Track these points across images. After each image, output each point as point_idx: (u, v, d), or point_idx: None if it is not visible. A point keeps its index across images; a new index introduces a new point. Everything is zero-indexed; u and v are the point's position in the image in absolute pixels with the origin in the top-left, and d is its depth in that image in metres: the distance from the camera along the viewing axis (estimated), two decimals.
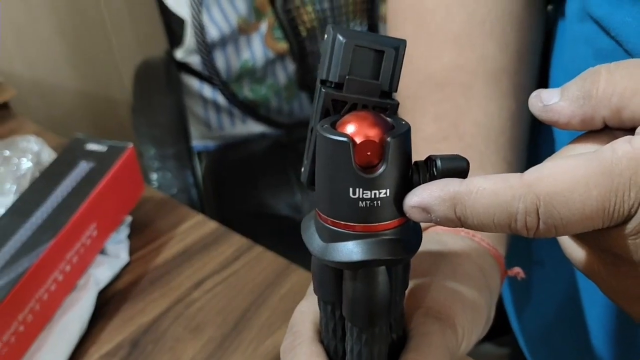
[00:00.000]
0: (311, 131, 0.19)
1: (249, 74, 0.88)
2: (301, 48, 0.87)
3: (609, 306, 0.30)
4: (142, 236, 0.47)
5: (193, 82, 0.86)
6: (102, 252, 0.45)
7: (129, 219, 0.47)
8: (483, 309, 0.23)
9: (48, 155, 0.48)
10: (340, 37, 0.17)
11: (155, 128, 0.64)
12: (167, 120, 0.66)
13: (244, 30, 0.86)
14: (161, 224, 0.48)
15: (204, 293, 0.42)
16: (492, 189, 0.17)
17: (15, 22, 0.90)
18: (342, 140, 0.17)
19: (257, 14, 0.86)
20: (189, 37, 0.82)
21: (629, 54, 0.25)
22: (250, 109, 0.91)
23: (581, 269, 0.20)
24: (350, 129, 0.17)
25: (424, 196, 0.17)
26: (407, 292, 0.21)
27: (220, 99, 0.88)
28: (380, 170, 0.17)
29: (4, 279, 0.36)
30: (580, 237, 0.19)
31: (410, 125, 0.18)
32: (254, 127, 0.93)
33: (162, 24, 0.86)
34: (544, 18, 0.35)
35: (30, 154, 0.46)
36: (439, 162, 0.17)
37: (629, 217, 0.16)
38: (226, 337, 0.39)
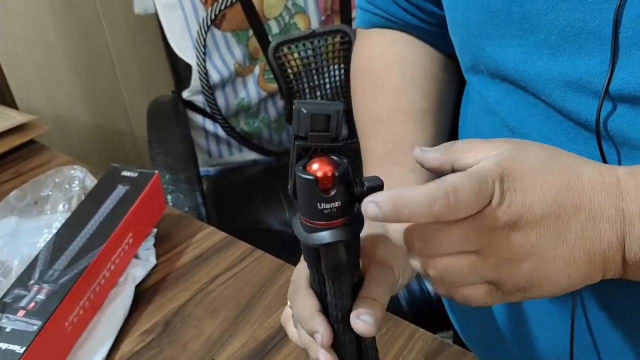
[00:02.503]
0: (291, 165, 0.30)
1: (245, 110, 1.01)
2: (289, 88, 1.00)
3: None
4: (165, 244, 0.58)
5: (197, 118, 0.99)
6: (136, 256, 0.56)
7: (154, 230, 0.59)
8: (410, 268, 0.35)
9: (90, 181, 0.59)
10: (303, 109, 0.27)
11: (168, 157, 0.76)
12: (178, 150, 0.78)
13: (240, 73, 0.98)
14: (180, 235, 0.60)
15: (218, 286, 0.54)
16: (419, 188, 0.26)
17: (38, 65, 1.02)
18: (309, 178, 0.28)
19: (251, 59, 0.99)
20: (194, 80, 0.95)
21: (495, 112, 0.39)
22: (246, 140, 1.03)
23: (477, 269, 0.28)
24: (314, 168, 0.28)
25: (376, 197, 0.26)
26: (362, 253, 0.33)
27: (220, 132, 1.01)
28: (333, 192, 0.28)
29: (69, 275, 0.48)
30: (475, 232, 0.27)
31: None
32: (249, 155, 1.05)
33: (169, 68, 0.99)
34: (458, 77, 0.49)
35: (77, 180, 0.58)
36: (366, 182, 0.28)
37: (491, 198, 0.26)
38: (237, 317, 0.50)
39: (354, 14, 0.99)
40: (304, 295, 0.32)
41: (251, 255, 0.57)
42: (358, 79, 0.48)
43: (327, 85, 1.02)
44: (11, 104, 0.91)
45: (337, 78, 1.01)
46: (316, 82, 1.00)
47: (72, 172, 0.59)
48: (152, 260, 0.56)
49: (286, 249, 0.89)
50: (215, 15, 0.93)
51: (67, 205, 0.56)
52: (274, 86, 1.01)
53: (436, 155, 0.29)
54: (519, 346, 0.42)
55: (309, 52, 0.97)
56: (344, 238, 0.29)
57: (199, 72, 0.94)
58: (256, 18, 0.94)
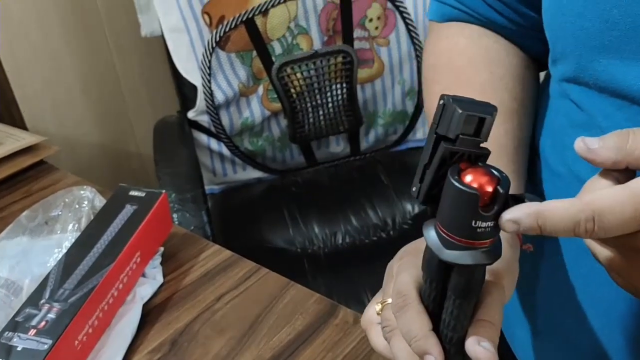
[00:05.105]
0: (425, 166, 0.26)
1: (249, 129, 1.03)
2: (292, 107, 1.01)
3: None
4: (172, 262, 0.59)
5: (202, 137, 1.00)
6: (143, 275, 0.57)
7: (161, 249, 0.60)
8: (515, 277, 0.35)
9: (99, 201, 0.61)
10: (458, 109, 0.24)
11: (175, 176, 0.77)
12: (184, 170, 0.80)
13: (244, 93, 1.00)
14: (186, 253, 0.61)
15: (224, 304, 0.54)
16: (563, 206, 0.24)
17: (47, 88, 1.05)
18: (473, 193, 0.24)
19: (254, 79, 1.01)
20: (200, 101, 0.96)
21: (598, 126, 0.35)
22: (250, 158, 1.05)
23: (607, 266, 0.28)
24: (474, 181, 0.25)
25: (515, 213, 0.24)
26: None
27: (225, 151, 1.02)
28: (494, 210, 0.25)
29: (79, 294, 0.49)
30: (613, 243, 0.26)
31: None
32: (253, 173, 1.07)
33: (174, 89, 1.01)
34: (538, 81, 0.47)
35: (86, 200, 0.59)
36: (526, 201, 0.25)
37: None
38: (244, 335, 0.51)
39: (355, 34, 1.01)
40: (417, 311, 0.29)
41: (256, 273, 0.58)
42: (437, 71, 0.45)
43: (330, 105, 1.03)
44: (21, 125, 0.93)
45: (340, 97, 1.03)
46: (319, 101, 1.02)
47: (82, 192, 0.60)
48: (159, 279, 0.57)
49: (291, 266, 0.90)
50: (220, 37, 0.95)
51: (76, 225, 0.57)
52: (277, 105, 1.03)
53: (609, 155, 0.26)
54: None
55: (312, 72, 0.99)
56: (489, 261, 0.26)
57: (204, 92, 0.96)
58: (260, 39, 0.97)
